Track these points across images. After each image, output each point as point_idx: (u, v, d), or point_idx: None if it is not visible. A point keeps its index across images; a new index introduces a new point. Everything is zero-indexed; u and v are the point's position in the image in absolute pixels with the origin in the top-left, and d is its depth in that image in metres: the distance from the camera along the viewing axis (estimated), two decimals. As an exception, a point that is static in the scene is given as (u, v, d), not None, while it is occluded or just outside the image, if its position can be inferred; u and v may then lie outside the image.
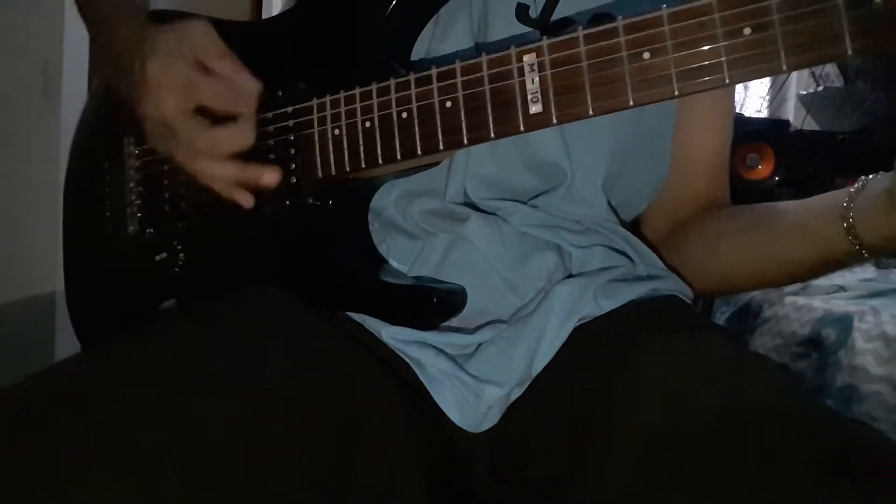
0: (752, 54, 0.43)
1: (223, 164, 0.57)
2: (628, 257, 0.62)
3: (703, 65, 0.44)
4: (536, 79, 0.48)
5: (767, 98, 2.56)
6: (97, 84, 0.80)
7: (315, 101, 0.57)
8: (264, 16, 1.77)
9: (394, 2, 0.56)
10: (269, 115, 0.60)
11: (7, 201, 1.42)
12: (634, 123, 0.63)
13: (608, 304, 0.58)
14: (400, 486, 0.50)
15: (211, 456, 0.41)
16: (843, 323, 1.52)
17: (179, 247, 0.66)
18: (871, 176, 0.51)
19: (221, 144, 0.56)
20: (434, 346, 0.58)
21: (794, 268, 0.60)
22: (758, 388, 0.46)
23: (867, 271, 1.83)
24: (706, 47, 0.44)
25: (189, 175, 0.59)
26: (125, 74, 0.59)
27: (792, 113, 2.51)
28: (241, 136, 0.56)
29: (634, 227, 0.72)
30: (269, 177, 0.58)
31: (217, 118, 0.56)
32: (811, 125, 2.45)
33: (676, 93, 0.45)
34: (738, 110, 2.43)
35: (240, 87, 0.56)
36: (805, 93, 2.48)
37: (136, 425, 0.41)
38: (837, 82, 2.38)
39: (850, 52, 0.41)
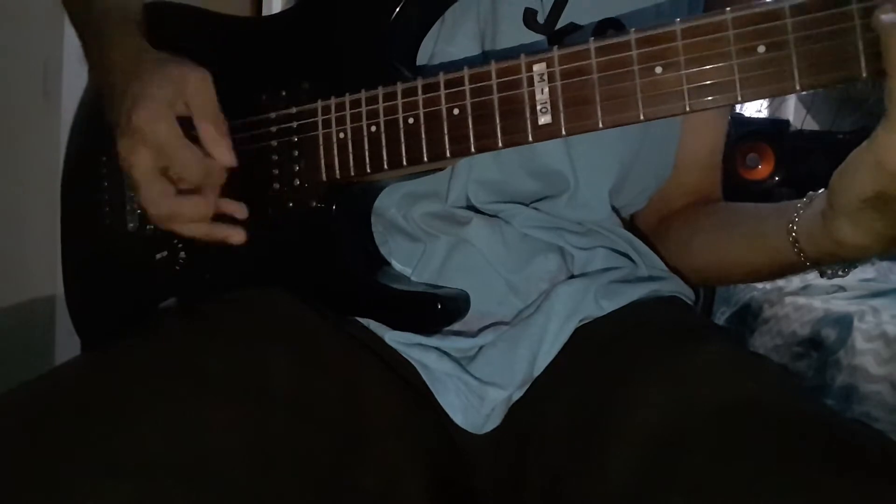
0: (766, 73, 0.42)
1: (183, 226, 0.58)
2: (630, 259, 0.62)
3: (716, 82, 0.44)
4: (546, 89, 0.48)
5: (767, 98, 2.56)
6: (92, 80, 0.79)
7: (320, 103, 0.57)
8: (264, 12, 1.77)
9: (401, 3, 0.56)
10: (273, 114, 0.60)
11: (7, 201, 1.42)
12: (642, 131, 0.63)
13: (609, 305, 0.58)
14: (402, 487, 0.50)
15: (212, 458, 0.41)
16: (843, 323, 1.53)
17: (180, 245, 0.66)
18: (819, 191, 0.52)
19: (178, 215, 0.57)
20: (437, 349, 0.58)
21: (752, 271, 0.62)
22: (758, 388, 0.46)
23: (867, 271, 1.84)
24: (719, 64, 0.43)
25: None
26: (113, 102, 0.58)
27: (792, 113, 2.51)
28: (202, 208, 0.57)
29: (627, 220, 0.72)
30: (235, 238, 0.59)
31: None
32: (811, 125, 2.45)
33: (687, 108, 0.44)
34: (738, 110, 2.43)
35: (213, 163, 0.56)
36: (805, 93, 2.48)
37: (137, 428, 0.41)
38: (837, 82, 2.38)
39: (864, 74, 0.40)
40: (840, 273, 0.55)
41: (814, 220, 0.51)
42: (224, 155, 0.56)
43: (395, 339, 0.58)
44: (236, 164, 0.57)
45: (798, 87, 0.42)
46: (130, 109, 0.55)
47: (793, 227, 0.54)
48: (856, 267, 0.55)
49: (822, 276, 0.56)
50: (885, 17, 0.38)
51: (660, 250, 0.67)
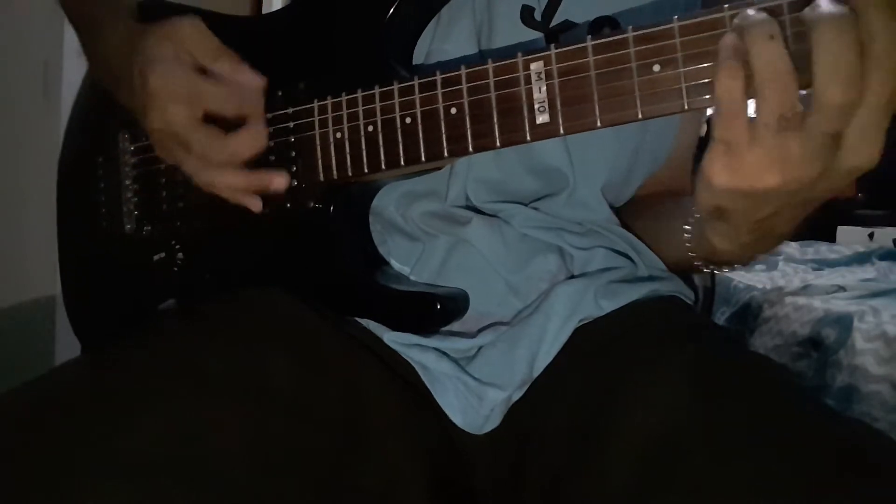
0: None
1: (234, 173, 0.56)
2: (630, 259, 0.62)
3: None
4: (544, 88, 0.48)
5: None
6: (87, 78, 0.78)
7: (316, 103, 0.57)
8: (264, 11, 1.77)
9: (396, 1, 0.56)
10: (269, 115, 0.60)
11: (7, 201, 1.42)
12: (640, 130, 0.63)
13: (609, 305, 0.58)
14: (401, 487, 0.50)
15: (212, 458, 0.41)
16: (843, 323, 1.53)
17: (178, 246, 0.66)
18: None
19: (237, 153, 0.55)
20: (436, 349, 0.58)
21: (674, 262, 0.63)
22: (758, 388, 0.46)
23: (867, 271, 1.84)
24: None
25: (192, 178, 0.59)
26: (122, 83, 0.58)
27: (792, 113, 2.51)
28: (255, 140, 0.56)
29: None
30: (278, 182, 0.57)
31: (225, 122, 0.56)
32: (811, 125, 2.43)
33: (686, 107, 0.44)
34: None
35: (244, 86, 0.56)
36: (805, 92, 2.47)
37: (137, 428, 0.41)
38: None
39: None
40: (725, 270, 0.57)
41: (696, 223, 0.52)
42: (249, 75, 0.55)
43: (394, 339, 0.58)
44: (265, 82, 0.56)
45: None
46: (143, 79, 0.54)
47: (687, 227, 0.55)
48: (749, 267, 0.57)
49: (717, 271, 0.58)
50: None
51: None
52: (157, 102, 0.54)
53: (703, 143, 0.73)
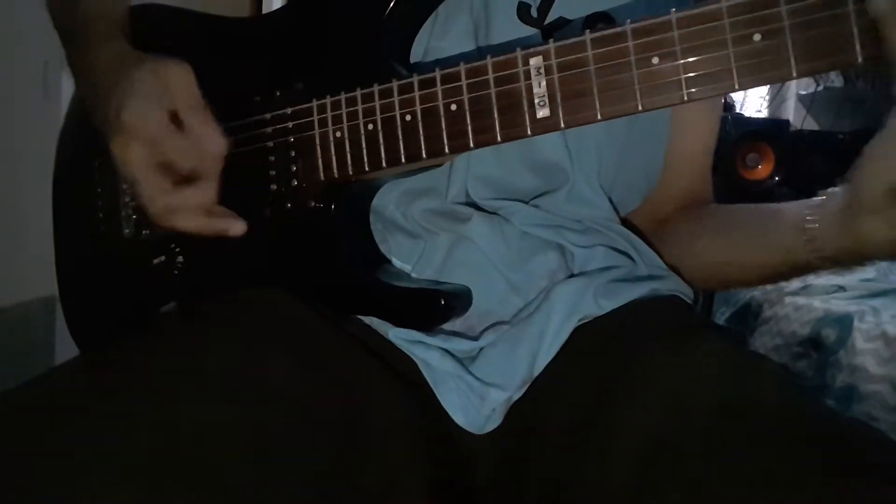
0: (762, 61, 0.43)
1: (185, 219, 0.57)
2: (630, 257, 0.62)
3: (713, 71, 0.44)
4: (543, 82, 0.48)
5: (767, 98, 2.56)
6: (76, 86, 0.78)
7: (315, 103, 0.57)
8: (264, 11, 1.77)
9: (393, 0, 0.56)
10: (268, 115, 0.60)
11: (7, 201, 1.42)
12: (627, 130, 0.63)
13: (609, 304, 0.58)
14: (402, 486, 0.50)
15: (212, 458, 0.41)
16: (843, 323, 1.52)
17: (177, 249, 0.65)
18: (829, 190, 0.52)
19: (178, 207, 0.56)
20: (440, 348, 0.58)
21: (760, 272, 0.61)
22: (758, 388, 0.46)
23: (867, 271, 1.84)
24: (716, 53, 0.43)
25: None
26: (99, 107, 0.58)
27: (792, 113, 2.52)
28: (201, 196, 0.56)
29: (624, 223, 0.72)
30: (236, 230, 0.58)
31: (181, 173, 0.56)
32: (811, 125, 2.45)
33: (685, 98, 0.44)
34: (738, 110, 2.43)
35: (206, 147, 0.56)
36: (805, 93, 2.48)
37: (138, 428, 0.41)
38: (837, 82, 2.39)
39: (860, 59, 0.40)
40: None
41: (832, 219, 0.51)
42: (211, 141, 0.56)
43: (399, 335, 0.58)
44: (225, 150, 0.56)
45: (795, 74, 0.42)
46: (119, 109, 0.55)
47: (807, 226, 0.53)
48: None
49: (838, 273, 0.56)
50: (881, 4, 0.38)
51: (662, 254, 0.67)
52: (122, 135, 0.55)
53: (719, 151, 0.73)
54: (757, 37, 0.42)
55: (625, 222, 0.68)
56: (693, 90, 0.44)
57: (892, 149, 0.42)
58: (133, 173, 0.56)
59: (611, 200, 0.65)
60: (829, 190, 0.52)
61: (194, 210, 0.57)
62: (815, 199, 0.54)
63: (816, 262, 0.54)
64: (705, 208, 0.71)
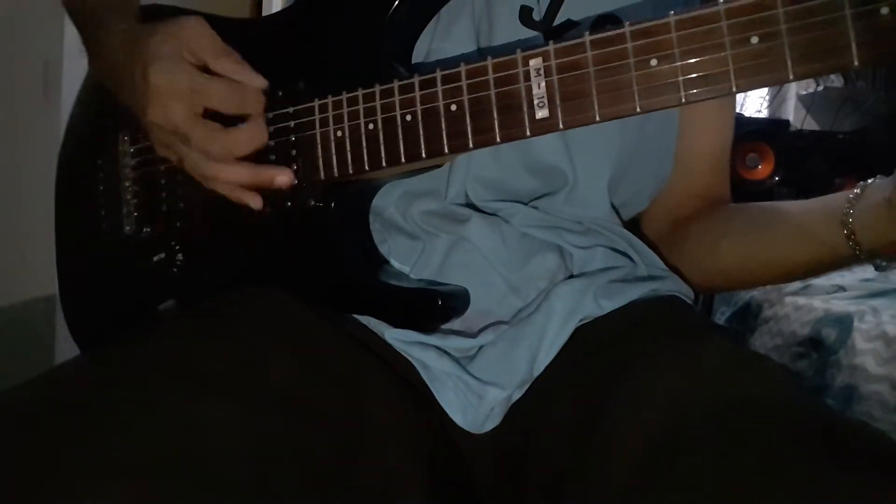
0: (760, 63, 0.43)
1: (236, 167, 0.57)
2: (629, 258, 0.62)
3: (711, 73, 0.44)
4: (543, 84, 0.48)
5: (767, 98, 2.56)
6: (87, 80, 0.78)
7: (317, 102, 0.57)
8: (264, 13, 1.77)
9: (397, 1, 0.56)
10: (270, 115, 0.60)
11: (7, 201, 1.42)
12: (639, 126, 0.63)
13: (609, 305, 0.58)
14: (401, 486, 0.50)
15: (212, 457, 0.41)
16: (843, 323, 1.52)
17: (178, 247, 0.66)
18: (869, 181, 0.52)
19: (237, 147, 0.56)
20: (437, 348, 0.58)
21: (792, 269, 0.61)
22: (758, 387, 0.46)
23: (867, 271, 1.83)
24: (714, 55, 0.44)
25: (191, 176, 0.59)
26: (125, 82, 0.58)
27: (792, 113, 2.52)
28: (255, 136, 0.56)
29: (633, 225, 0.72)
30: (282, 178, 0.57)
31: (226, 120, 0.56)
32: (811, 125, 2.45)
33: (683, 100, 0.45)
34: (738, 110, 2.43)
35: (245, 85, 0.56)
36: (805, 93, 2.48)
37: (137, 427, 0.41)
38: (837, 82, 2.39)
39: (856, 62, 0.41)
40: (894, 265, 0.54)
41: (874, 210, 0.51)
42: (250, 75, 0.56)
43: (396, 336, 0.58)
44: (267, 84, 0.57)
45: (791, 77, 0.42)
46: (145, 75, 0.55)
47: (847, 218, 0.53)
48: None
49: (876, 269, 0.55)
50: None
51: (676, 255, 0.66)
52: (157, 99, 0.55)
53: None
54: (754, 39, 0.43)
55: (633, 225, 0.68)
56: (691, 92, 0.45)
57: None
58: (180, 129, 0.55)
59: (614, 204, 0.65)
60: (868, 182, 0.52)
61: (253, 147, 0.56)
62: (851, 191, 0.53)
63: (856, 255, 0.53)
64: (729, 207, 0.70)
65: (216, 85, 0.55)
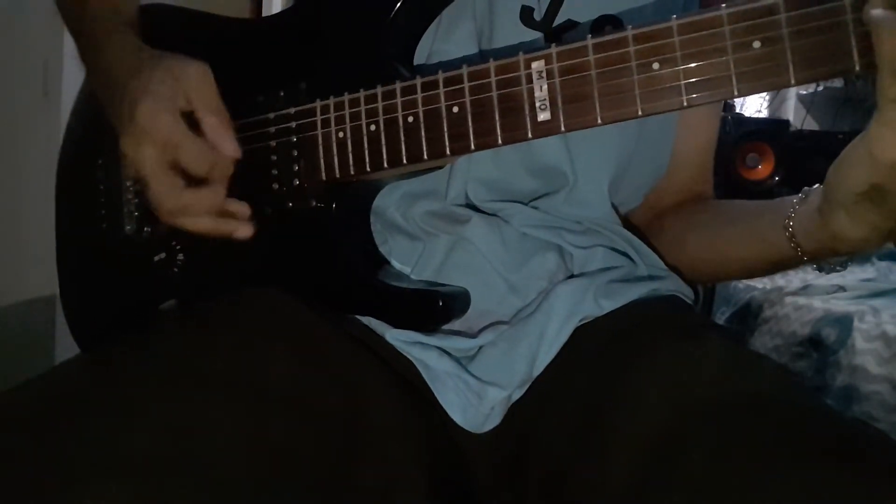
0: (761, 68, 0.43)
1: (194, 220, 0.57)
2: (629, 258, 0.62)
3: (712, 77, 0.44)
4: (545, 86, 0.48)
5: (767, 98, 2.56)
6: (88, 81, 0.78)
7: (319, 103, 0.57)
8: (264, 13, 1.77)
9: (399, 2, 0.56)
10: (272, 115, 0.60)
11: (7, 201, 1.42)
12: (639, 126, 0.63)
13: (609, 305, 0.58)
14: (401, 486, 0.50)
15: (212, 457, 0.41)
16: (843, 323, 1.52)
17: (178, 247, 0.66)
18: (815, 186, 0.53)
19: (190, 209, 0.57)
20: (437, 348, 0.58)
21: (750, 266, 0.62)
22: (758, 387, 0.46)
23: (867, 271, 1.83)
24: (715, 59, 0.44)
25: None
26: (113, 102, 0.58)
27: (792, 113, 2.52)
28: (212, 198, 0.57)
29: (622, 218, 0.73)
30: (242, 232, 0.58)
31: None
32: (811, 125, 2.45)
33: (685, 104, 0.45)
34: (738, 110, 2.43)
35: (219, 153, 0.56)
36: (805, 93, 2.48)
37: (137, 428, 0.41)
38: (837, 82, 2.38)
39: (857, 67, 0.41)
40: (838, 268, 0.56)
41: (810, 215, 0.52)
42: (229, 145, 0.56)
43: (396, 337, 0.58)
44: (241, 155, 0.57)
45: (793, 81, 0.43)
46: (132, 107, 0.55)
47: (789, 222, 0.54)
48: (851, 262, 0.55)
49: (819, 271, 0.57)
50: (875, 12, 0.38)
51: (655, 247, 0.67)
52: (134, 135, 0.55)
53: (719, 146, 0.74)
54: (756, 44, 0.43)
55: (624, 220, 0.68)
56: (693, 96, 0.45)
57: (857, 158, 0.43)
58: (144, 173, 0.55)
59: (613, 203, 0.65)
60: (813, 187, 0.53)
61: (205, 211, 0.57)
62: (797, 196, 0.55)
63: (798, 257, 0.55)
64: (699, 203, 0.71)
65: (191, 145, 0.55)
